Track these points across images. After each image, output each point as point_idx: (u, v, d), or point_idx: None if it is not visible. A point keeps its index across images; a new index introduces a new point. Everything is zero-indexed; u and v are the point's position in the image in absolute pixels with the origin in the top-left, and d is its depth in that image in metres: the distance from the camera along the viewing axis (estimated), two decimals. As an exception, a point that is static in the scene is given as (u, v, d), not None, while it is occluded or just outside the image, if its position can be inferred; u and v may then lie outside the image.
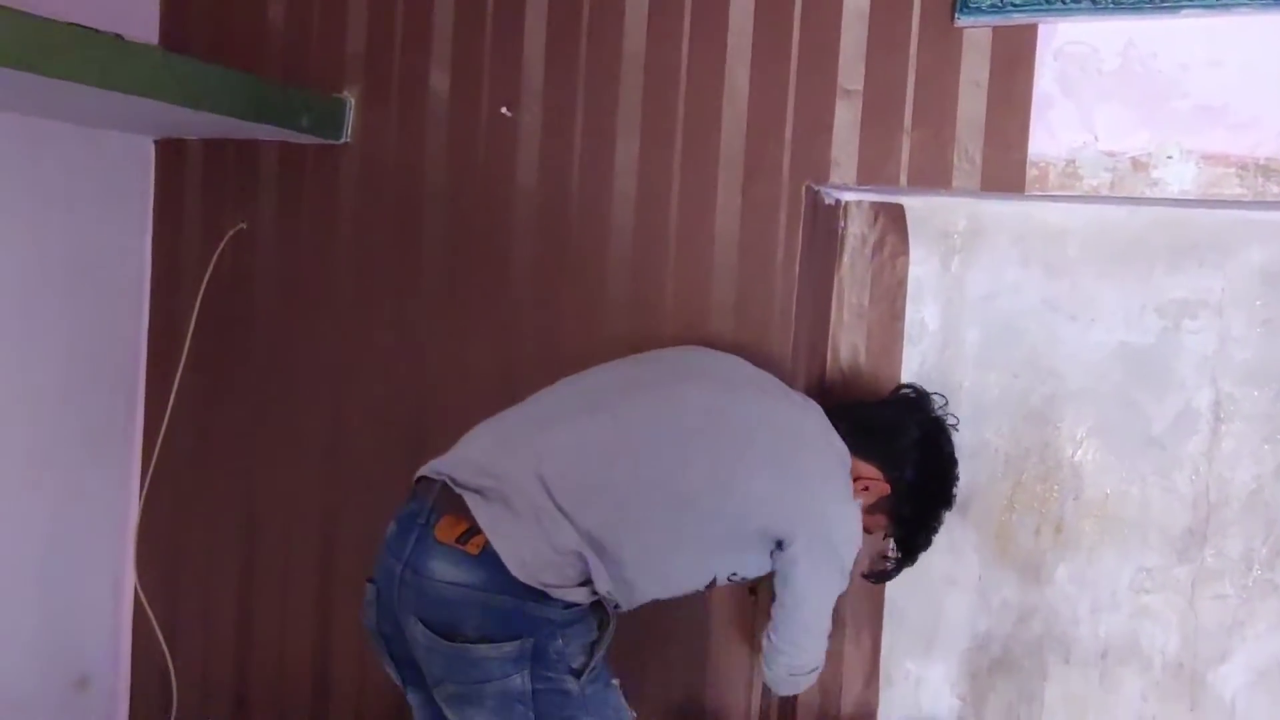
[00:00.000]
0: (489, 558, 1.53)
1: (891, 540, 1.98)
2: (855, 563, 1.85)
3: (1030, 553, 2.08)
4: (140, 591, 2.48)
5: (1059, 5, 1.82)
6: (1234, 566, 1.96)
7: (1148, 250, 1.99)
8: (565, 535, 1.56)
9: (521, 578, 1.52)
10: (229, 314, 2.43)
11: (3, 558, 2.27)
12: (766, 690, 2.02)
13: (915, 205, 2.11)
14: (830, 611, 1.80)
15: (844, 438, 1.79)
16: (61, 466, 2.37)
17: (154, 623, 2.47)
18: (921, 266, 2.13)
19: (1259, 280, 1.94)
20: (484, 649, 1.53)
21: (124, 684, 2.53)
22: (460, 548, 1.55)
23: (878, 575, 2.04)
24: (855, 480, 1.80)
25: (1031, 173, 1.87)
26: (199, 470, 2.46)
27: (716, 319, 2.06)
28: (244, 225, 2.41)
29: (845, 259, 2.15)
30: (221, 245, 2.41)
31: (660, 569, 1.68)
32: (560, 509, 1.56)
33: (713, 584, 1.76)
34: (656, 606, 1.97)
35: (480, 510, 1.56)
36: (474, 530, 1.55)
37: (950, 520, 2.09)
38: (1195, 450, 1.98)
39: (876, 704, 2.18)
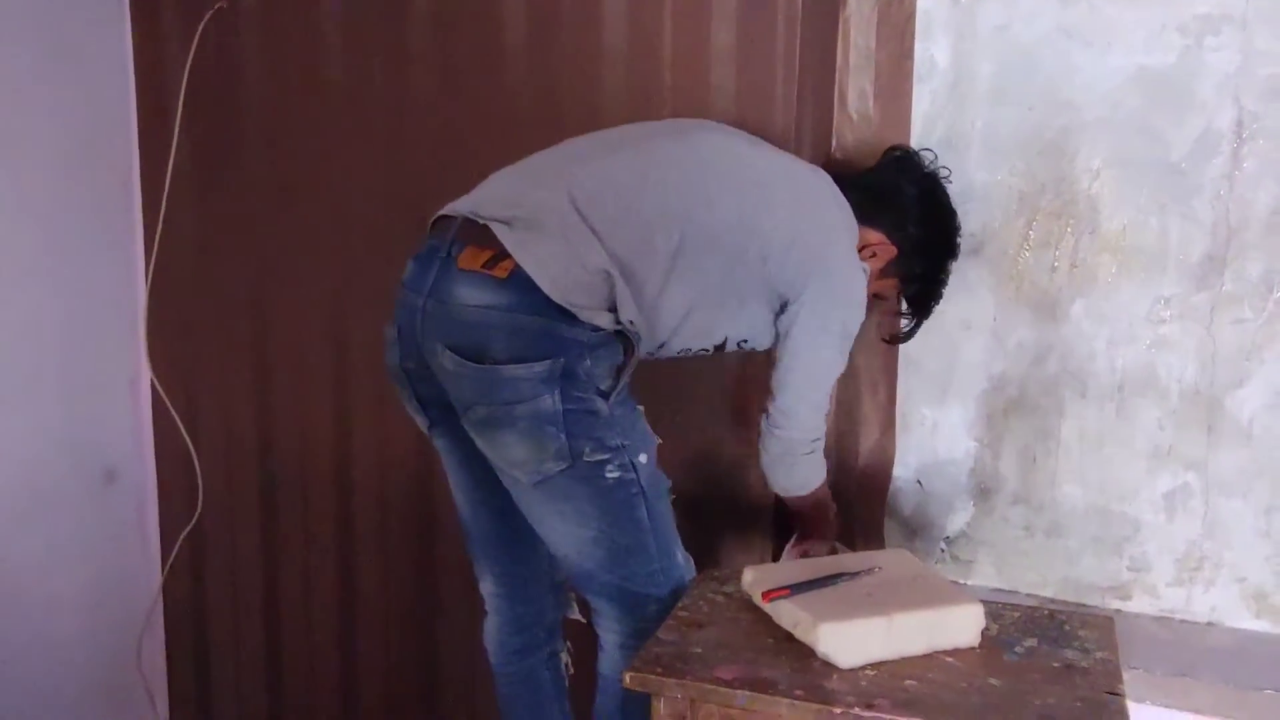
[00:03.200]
0: (518, 280, 1.52)
1: (904, 302, 1.98)
2: (868, 329, 1.89)
3: (1046, 291, 2.06)
4: (157, 384, 2.49)
5: None
6: (1253, 290, 1.93)
7: (1171, -38, 1.90)
8: (595, 253, 1.55)
9: (554, 296, 1.52)
10: (217, 96, 2.36)
11: (22, 355, 2.27)
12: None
13: (923, -67, 2.01)
14: (829, 385, 1.80)
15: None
16: (68, 261, 2.35)
17: (174, 414, 2.48)
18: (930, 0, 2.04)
19: (1287, -12, 1.85)
20: (515, 369, 1.53)
21: (150, 476, 2.56)
22: (487, 272, 1.54)
23: (895, 336, 2.03)
24: (863, 249, 1.81)
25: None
26: (202, 256, 2.43)
27: (718, 68, 1.99)
28: (223, 3, 2.32)
29: (851, -2, 2.05)
30: (202, 24, 2.32)
31: (677, 309, 1.66)
32: (591, 228, 1.56)
33: (722, 349, 1.77)
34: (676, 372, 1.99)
35: (507, 236, 1.54)
36: (500, 256, 1.54)
37: (964, 263, 2.07)
38: (1216, 174, 1.93)
39: (894, 451, 2.19)
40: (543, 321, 1.53)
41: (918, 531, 2.21)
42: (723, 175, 1.69)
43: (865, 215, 1.82)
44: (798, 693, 1.38)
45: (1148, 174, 1.97)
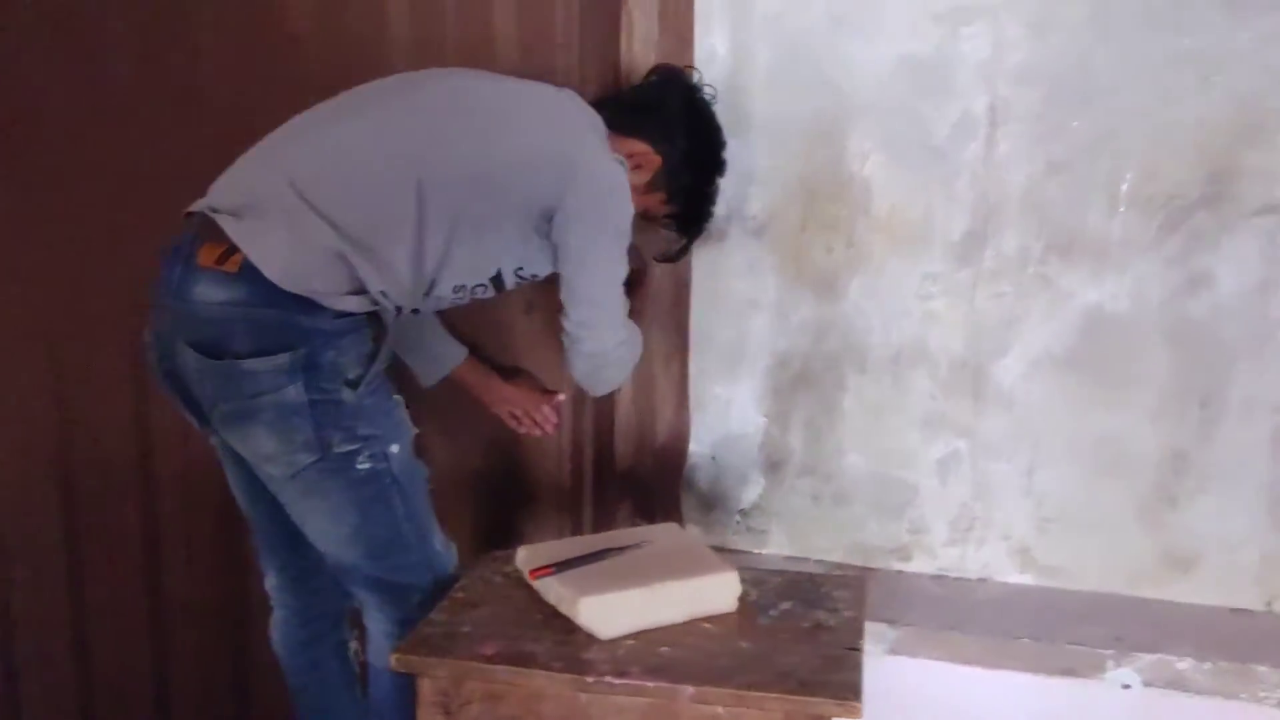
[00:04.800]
0: (249, 272, 1.52)
1: (673, 221, 1.98)
2: (637, 252, 1.88)
3: (824, 270, 2.15)
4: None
5: None
6: (1011, 265, 2.05)
7: (926, -46, 2.00)
8: (323, 235, 1.54)
9: (287, 286, 1.51)
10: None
11: None
12: (584, 411, 2.08)
13: (696, -75, 2.07)
14: (619, 286, 1.75)
15: (609, 122, 1.79)
16: None
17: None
18: (708, -12, 2.10)
19: (1029, -19, 1.97)
20: (255, 363, 1.53)
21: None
22: (220, 268, 1.53)
23: (668, 256, 2.04)
24: (628, 157, 1.78)
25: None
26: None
27: (500, 49, 2.00)
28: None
29: (632, -14, 2.10)
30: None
31: (436, 251, 1.63)
32: (314, 209, 1.54)
33: (501, 284, 1.74)
34: (464, 338, 2.01)
35: (234, 228, 1.53)
36: (231, 250, 1.53)
37: (748, 244, 2.16)
38: (973, 155, 2.04)
39: (689, 428, 2.27)
40: (280, 313, 1.53)
41: (714, 505, 2.29)
42: (454, 114, 1.66)
43: (629, 126, 1.82)
44: (555, 665, 1.43)
45: (913, 157, 2.07)
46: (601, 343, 1.75)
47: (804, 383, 2.20)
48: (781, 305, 2.18)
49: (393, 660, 1.47)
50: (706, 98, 1.96)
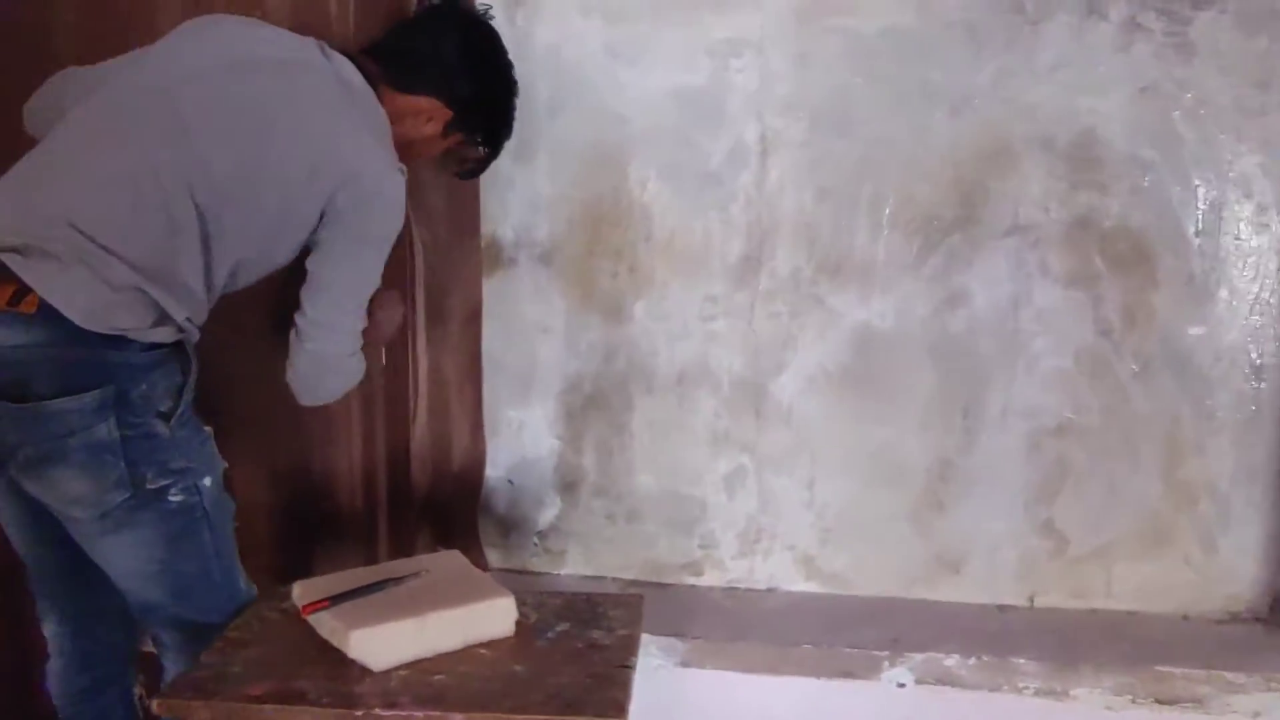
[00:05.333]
0: (48, 312, 1.46)
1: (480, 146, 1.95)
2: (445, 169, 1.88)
3: (610, 294, 2.20)
4: None
5: None
6: (785, 286, 2.15)
7: (693, -8, 2.08)
8: (118, 273, 1.49)
9: (92, 326, 1.47)
10: None
11: None
12: (371, 446, 2.07)
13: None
14: (368, 294, 1.69)
15: (387, 79, 1.75)
16: None
17: None
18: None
19: (793, 17, 2.06)
20: (62, 403, 1.47)
21: None
22: (14, 310, 1.47)
23: (467, 172, 2.01)
24: (417, 115, 1.78)
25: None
26: None
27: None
28: None
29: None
30: None
31: (224, 269, 1.61)
32: (104, 248, 1.49)
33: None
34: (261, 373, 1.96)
35: (25, 268, 1.47)
36: (24, 290, 1.47)
37: (536, 270, 2.20)
38: (747, 182, 2.13)
39: (484, 453, 2.28)
40: (85, 351, 1.48)
41: (512, 528, 2.31)
42: (213, 133, 1.57)
43: (408, 83, 1.77)
44: (325, 700, 1.43)
45: (691, 183, 2.14)
46: (331, 346, 1.67)
47: (595, 404, 2.24)
48: (571, 329, 2.22)
49: (154, 705, 1.44)
50: (483, 21, 1.89)
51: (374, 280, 1.70)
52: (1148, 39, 1.98)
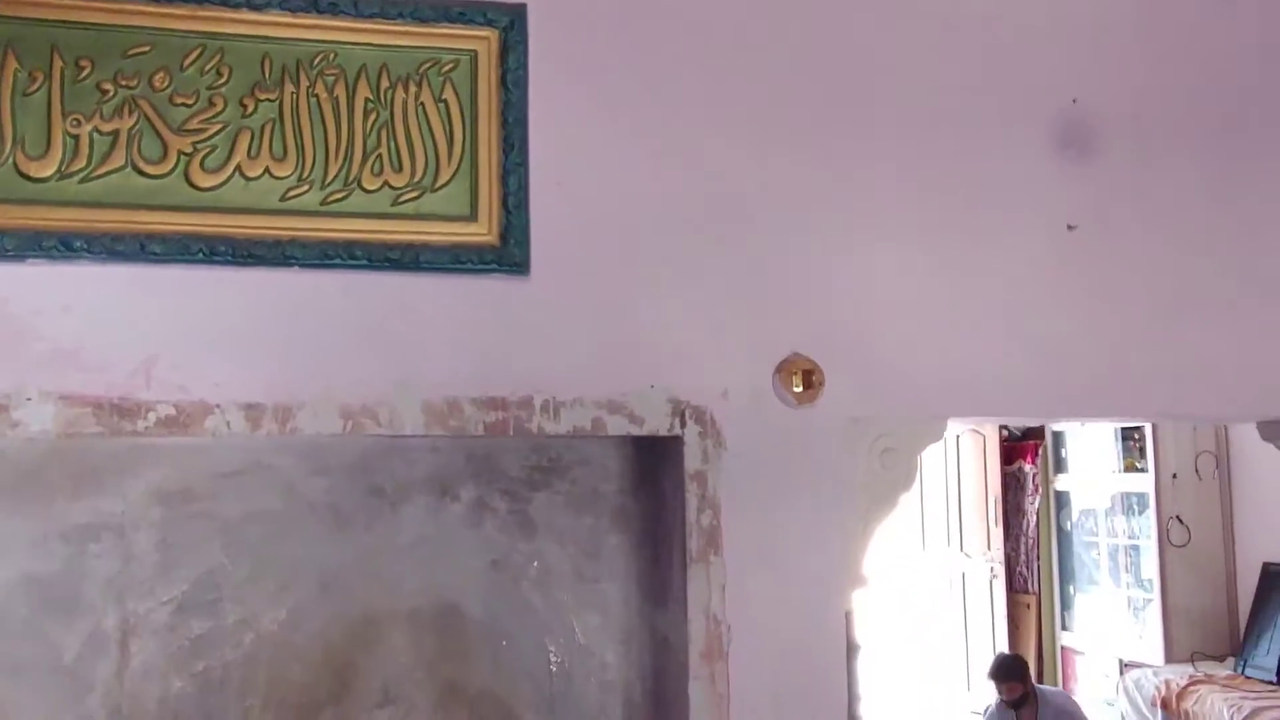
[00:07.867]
0: None
1: None
2: None
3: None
4: None
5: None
6: (150, 780, 2.02)
7: (47, 479, 2.01)
8: None
9: None
10: None
11: None
12: None
13: None
14: None
15: None
16: None
17: None
18: None
19: (156, 500, 2.06)
20: None
21: None
22: None
23: None
24: None
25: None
26: None
27: None
28: None
29: None
30: None
31: None
32: None
33: None
34: None
35: None
36: None
37: None
38: (107, 672, 2.02)
39: None
40: None
41: None
42: None
43: None
44: None
45: (42, 678, 1.99)
46: None
47: None
48: None
49: None
50: None
51: None
52: (494, 516, 2.19)
